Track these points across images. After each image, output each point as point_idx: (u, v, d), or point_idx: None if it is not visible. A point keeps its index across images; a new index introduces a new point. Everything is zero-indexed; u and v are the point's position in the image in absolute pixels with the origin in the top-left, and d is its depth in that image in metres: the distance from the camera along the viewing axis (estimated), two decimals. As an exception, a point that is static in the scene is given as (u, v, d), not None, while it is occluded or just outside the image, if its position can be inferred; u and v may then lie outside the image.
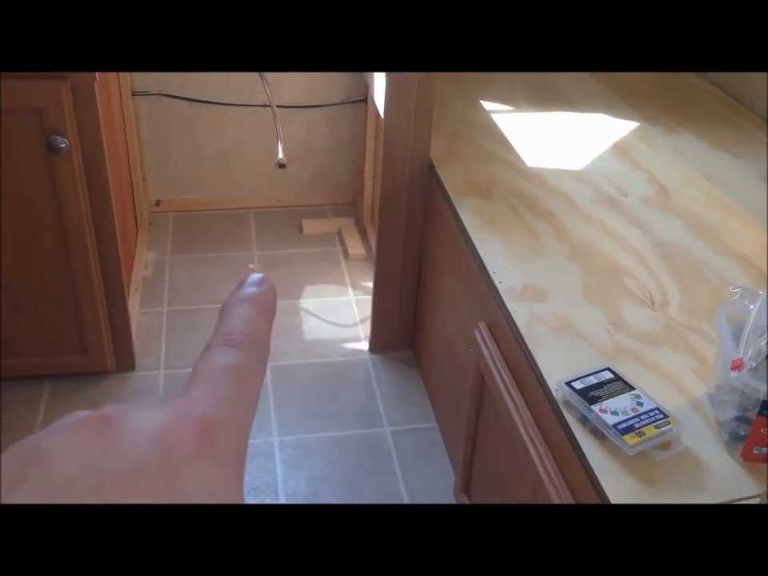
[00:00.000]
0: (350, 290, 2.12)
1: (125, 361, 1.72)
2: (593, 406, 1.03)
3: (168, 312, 1.94)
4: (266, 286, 0.29)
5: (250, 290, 0.28)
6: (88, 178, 1.47)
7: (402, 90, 1.60)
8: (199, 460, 0.23)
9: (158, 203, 2.33)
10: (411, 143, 1.65)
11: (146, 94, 2.16)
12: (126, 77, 2.00)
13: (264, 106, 2.17)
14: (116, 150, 1.85)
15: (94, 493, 0.21)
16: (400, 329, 1.88)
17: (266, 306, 0.28)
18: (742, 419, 1.00)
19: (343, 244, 2.27)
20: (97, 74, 1.43)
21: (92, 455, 0.22)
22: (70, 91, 1.38)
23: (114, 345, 1.68)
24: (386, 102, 1.62)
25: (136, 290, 1.96)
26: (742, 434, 1.00)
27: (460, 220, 1.48)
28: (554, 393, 1.08)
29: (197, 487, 0.22)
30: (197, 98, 2.20)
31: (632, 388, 1.06)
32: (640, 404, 1.04)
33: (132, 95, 2.08)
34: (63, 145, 1.40)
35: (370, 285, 2.01)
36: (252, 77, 1.99)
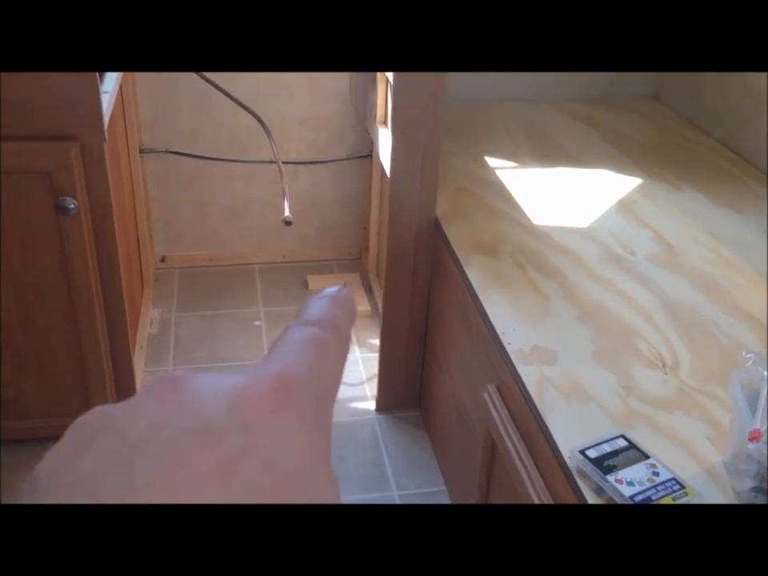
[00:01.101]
0: (356, 347, 2.10)
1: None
2: (608, 476, 1.01)
3: (173, 371, 1.93)
4: (345, 291, 0.28)
5: (328, 291, 0.28)
6: (96, 238, 1.48)
7: (408, 147, 1.61)
8: (274, 416, 0.21)
9: (163, 259, 2.33)
10: (417, 201, 1.66)
11: (152, 151, 2.18)
12: (134, 134, 2.02)
13: (270, 162, 2.19)
14: (123, 207, 1.86)
15: (165, 453, 0.20)
16: (407, 388, 1.87)
17: (345, 305, 0.28)
18: (759, 490, 0.98)
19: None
20: (107, 133, 1.44)
21: (161, 417, 0.21)
22: (79, 153, 1.39)
23: (118, 405, 1.66)
24: (392, 160, 1.63)
25: (141, 348, 1.95)
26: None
27: (467, 279, 1.47)
28: (567, 461, 1.06)
29: (273, 444, 0.21)
30: (203, 155, 2.22)
31: (647, 457, 1.05)
32: (656, 474, 1.02)
33: (140, 153, 2.10)
34: (72, 206, 1.40)
35: (376, 342, 1.99)
36: (258, 134, 2.01)
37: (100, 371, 1.59)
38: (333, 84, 2.21)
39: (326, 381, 0.24)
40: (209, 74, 1.86)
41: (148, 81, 2.09)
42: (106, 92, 1.51)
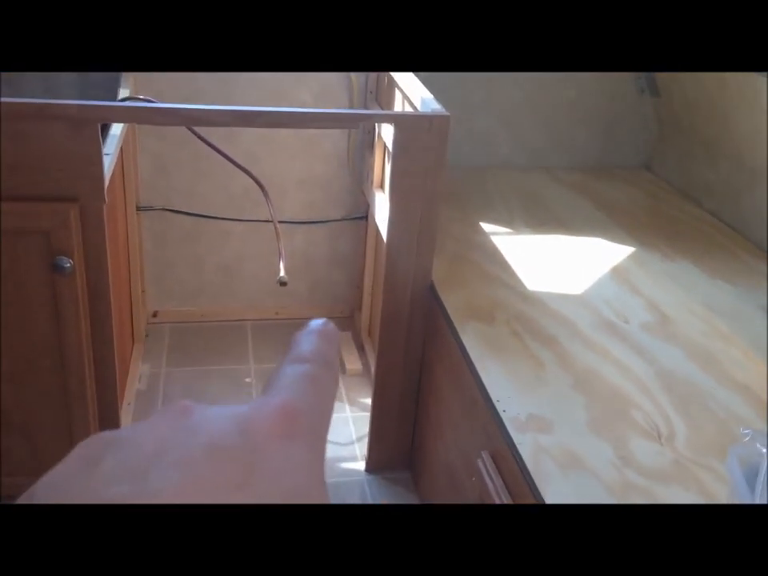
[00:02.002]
0: (346, 406, 2.09)
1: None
2: (605, 552, 0.99)
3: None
4: (330, 325, 0.30)
5: (314, 325, 0.30)
6: (90, 297, 1.47)
7: (406, 213, 1.63)
8: (282, 440, 0.23)
9: (155, 314, 2.32)
10: (413, 266, 1.67)
11: (149, 208, 2.19)
12: (132, 192, 2.04)
13: (266, 221, 2.21)
14: (118, 263, 1.86)
15: (178, 465, 0.21)
16: (398, 449, 1.85)
17: (331, 339, 0.29)
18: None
19: (340, 358, 2.25)
20: (106, 195, 1.45)
21: (174, 435, 0.22)
22: (78, 213, 1.40)
23: (104, 464, 1.63)
24: (389, 226, 1.65)
25: (129, 404, 1.92)
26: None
27: (462, 346, 1.47)
28: (563, 534, 1.05)
29: (280, 463, 0.22)
30: (200, 213, 2.24)
31: (644, 531, 1.03)
32: (653, 549, 1.01)
33: (137, 210, 2.12)
34: (68, 265, 1.40)
35: (367, 401, 1.98)
36: (255, 193, 2.03)
37: (86, 429, 1.56)
38: (330, 146, 2.24)
39: (320, 412, 0.26)
40: (207, 136, 1.89)
41: (148, 140, 2.12)
42: (107, 153, 1.53)
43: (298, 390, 0.26)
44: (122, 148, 1.85)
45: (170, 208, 2.21)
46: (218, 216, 2.25)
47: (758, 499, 0.89)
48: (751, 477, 0.98)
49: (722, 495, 1.09)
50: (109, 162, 1.53)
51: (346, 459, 1.90)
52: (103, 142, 1.56)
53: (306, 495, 0.23)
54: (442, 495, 1.63)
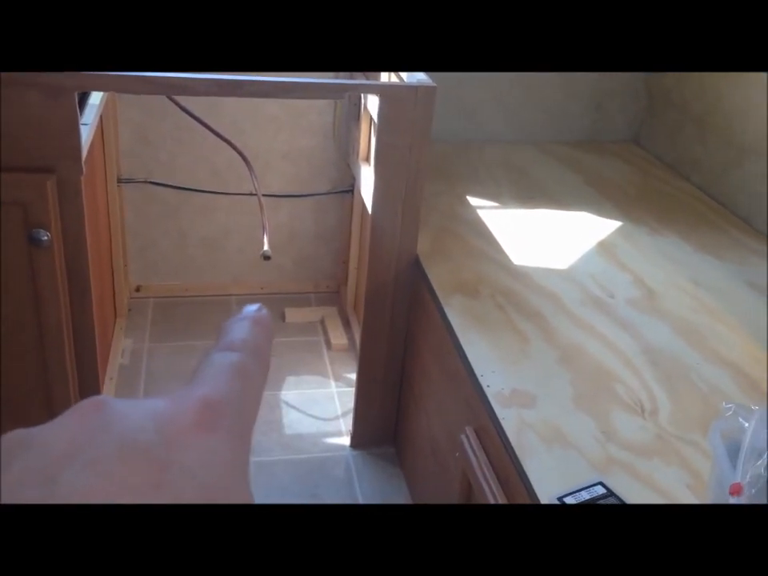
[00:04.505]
0: (332, 381, 2.07)
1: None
2: (586, 526, 0.99)
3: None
4: (264, 311, 0.29)
5: (248, 312, 0.29)
6: (68, 270, 1.45)
7: (391, 186, 1.60)
8: (201, 434, 0.22)
9: (138, 288, 2.29)
10: (398, 239, 1.65)
11: (131, 181, 2.15)
12: (112, 164, 2.00)
13: (250, 194, 2.18)
14: (98, 236, 1.83)
15: (88, 468, 0.20)
16: (383, 425, 1.84)
17: (265, 326, 0.28)
18: (740, 542, 0.97)
19: (326, 333, 2.24)
20: (84, 165, 1.42)
21: (84, 434, 0.21)
22: (56, 185, 1.37)
23: (85, 439, 1.61)
24: (374, 198, 1.62)
25: (111, 379, 1.90)
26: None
27: (447, 319, 1.46)
28: (545, 509, 1.04)
29: (198, 458, 0.21)
30: (183, 186, 2.20)
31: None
32: (635, 523, 1.00)
33: (118, 182, 2.08)
34: (45, 238, 1.37)
35: (353, 376, 1.97)
36: (239, 166, 2.00)
37: (67, 405, 1.54)
38: (316, 118, 2.21)
39: (247, 404, 0.25)
40: (189, 104, 1.86)
41: (129, 111, 2.08)
42: (85, 124, 1.49)
43: (223, 382, 0.25)
44: (101, 118, 1.81)
45: (153, 180, 2.17)
46: (202, 189, 2.22)
47: (739, 474, 0.89)
48: (733, 451, 0.97)
49: (705, 470, 1.09)
50: (87, 133, 1.49)
51: (330, 434, 1.89)
52: (81, 111, 1.52)
53: (226, 493, 0.22)
54: (426, 471, 1.63)
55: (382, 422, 1.83)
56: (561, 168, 2.17)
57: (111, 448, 0.21)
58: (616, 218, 1.89)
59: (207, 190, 2.23)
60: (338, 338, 2.21)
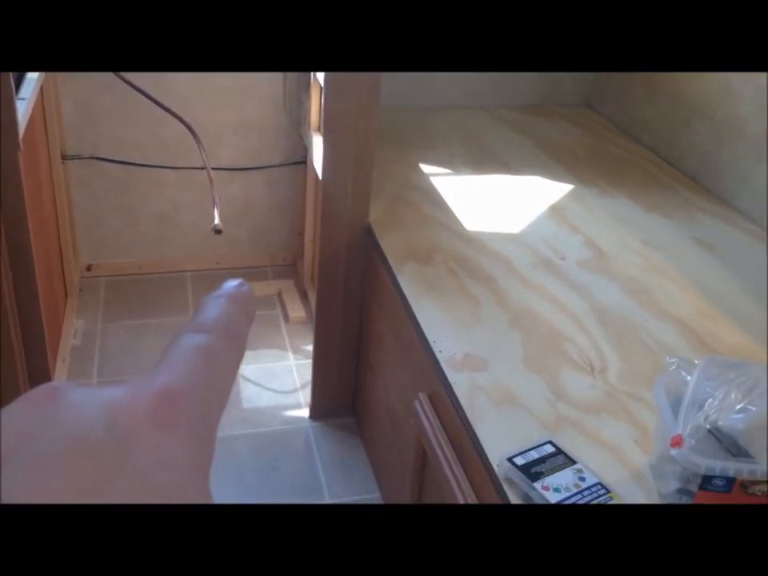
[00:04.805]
0: (290, 354, 2.06)
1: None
2: (535, 483, 1.00)
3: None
4: (244, 288, 0.27)
5: (226, 288, 0.27)
6: (11, 251, 1.41)
7: (340, 154, 1.59)
8: (155, 430, 0.20)
9: (89, 268, 2.25)
10: (350, 207, 1.63)
11: (77, 157, 2.10)
12: (55, 140, 1.95)
13: (201, 168, 2.14)
14: (43, 215, 1.78)
15: (33, 463, 0.19)
16: (341, 395, 1.84)
17: (243, 303, 0.26)
18: (684, 492, 0.99)
19: (283, 307, 2.23)
20: (23, 141, 1.38)
21: (33, 426, 0.20)
22: (-10, 160, 1.32)
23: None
24: (324, 167, 1.61)
25: (63, 361, 1.87)
26: (686, 507, 0.98)
27: (399, 287, 1.46)
28: (495, 469, 1.05)
29: (151, 459, 0.20)
30: (131, 161, 2.15)
31: (574, 462, 1.04)
32: (582, 479, 1.02)
33: (62, 159, 2.02)
34: (-17, 215, 1.33)
35: (311, 349, 1.96)
36: (188, 139, 1.96)
37: (16, 389, 1.51)
38: (266, 89, 2.17)
39: (214, 393, 0.23)
40: (135, 79, 1.81)
41: (72, 85, 2.02)
42: (23, 98, 1.45)
43: (187, 368, 0.23)
44: (42, 92, 1.76)
45: (99, 156, 2.12)
46: (151, 164, 2.17)
47: (680, 426, 0.90)
48: (677, 405, 0.99)
49: (652, 424, 1.11)
50: (24, 108, 1.45)
51: (289, 407, 1.88)
52: (18, 85, 1.47)
53: (181, 494, 0.20)
54: (385, 439, 1.63)
55: (340, 393, 1.83)
56: (513, 133, 2.16)
57: (59, 443, 0.20)
58: (567, 181, 1.89)
59: (156, 164, 2.18)
60: (296, 310, 2.20)
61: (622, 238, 1.65)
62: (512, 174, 1.93)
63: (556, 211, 1.76)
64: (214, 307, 0.26)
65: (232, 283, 0.27)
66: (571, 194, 1.84)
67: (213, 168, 2.10)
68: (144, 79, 1.83)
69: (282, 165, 2.28)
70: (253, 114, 2.20)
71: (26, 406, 0.21)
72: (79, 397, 0.21)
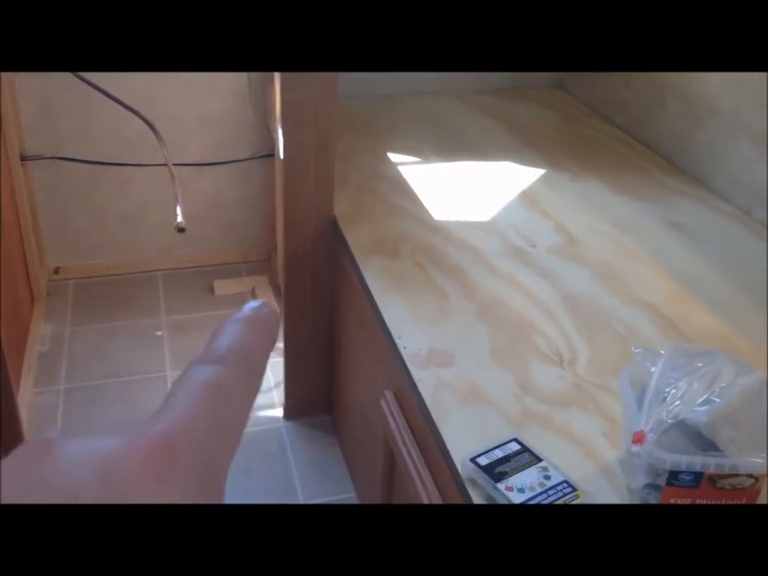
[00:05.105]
0: (264, 352, 2.02)
1: (14, 448, 1.58)
2: (498, 484, 0.96)
3: (65, 390, 1.81)
4: (266, 309, 0.25)
5: (246, 311, 0.25)
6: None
7: (300, 146, 1.54)
8: (153, 485, 0.19)
9: (56, 270, 2.20)
10: (313, 201, 1.59)
11: (38, 157, 2.05)
12: (13, 141, 1.89)
13: (163, 165, 2.09)
14: (2, 218, 1.73)
15: None
16: (315, 393, 1.80)
17: (264, 329, 0.25)
18: (652, 486, 0.95)
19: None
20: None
21: (24, 485, 0.19)
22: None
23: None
24: (284, 160, 1.56)
25: (29, 368, 1.83)
26: (654, 502, 0.95)
27: (365, 282, 1.41)
28: (459, 469, 1.02)
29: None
30: (95, 160, 2.10)
31: (539, 460, 1.00)
32: (548, 477, 0.98)
33: (22, 160, 1.97)
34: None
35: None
36: (153, 136, 1.91)
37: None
38: (230, 81, 2.12)
39: (223, 432, 0.22)
40: (94, 74, 1.76)
41: (30, 83, 1.97)
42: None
43: (193, 408, 0.21)
44: (-6, 93, 1.71)
45: (62, 156, 2.07)
46: (116, 162, 2.12)
47: (643, 421, 0.86)
48: (642, 397, 0.95)
49: (619, 415, 1.07)
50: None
51: (263, 407, 1.85)
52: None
53: None
54: (357, 438, 1.60)
55: (314, 391, 1.80)
56: (484, 118, 2.12)
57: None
58: (539, 166, 1.85)
59: (121, 162, 2.13)
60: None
61: (592, 222, 1.61)
62: (483, 160, 1.89)
63: (527, 197, 1.72)
64: (230, 333, 0.24)
65: (252, 305, 0.25)
66: (542, 178, 1.80)
67: (180, 164, 2.05)
68: (103, 75, 1.77)
69: (251, 158, 2.23)
70: (218, 108, 2.15)
71: (19, 464, 0.20)
72: (73, 451, 0.20)
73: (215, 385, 0.22)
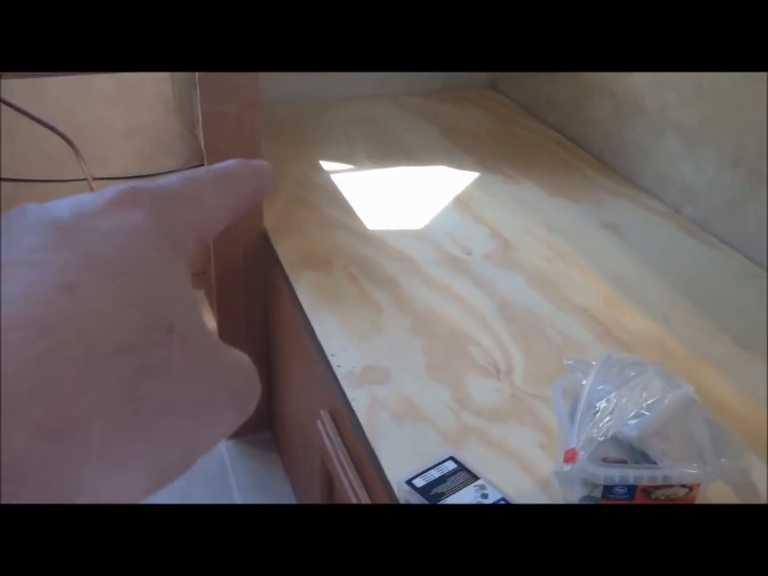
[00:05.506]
0: (202, 369, 1.97)
1: None
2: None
3: None
4: (250, 164, 0.24)
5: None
6: None
7: (223, 156, 1.49)
8: (117, 208, 0.19)
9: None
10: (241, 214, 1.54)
11: (-48, 177, 1.95)
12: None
13: (95, 179, 2.01)
14: None
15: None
16: (255, 410, 1.75)
17: (230, 179, 0.24)
18: (590, 499, 0.94)
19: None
20: None
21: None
22: None
23: None
24: (210, 175, 1.51)
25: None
26: (592, 517, 0.94)
27: (296, 297, 1.38)
28: (396, 492, 0.99)
29: (113, 226, 0.19)
30: (14, 177, 2.01)
31: (476, 478, 0.99)
32: (485, 496, 0.96)
33: (-66, 181, 1.88)
34: None
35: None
36: (71, 151, 1.83)
37: None
38: (153, 89, 2.05)
39: (211, 208, 0.22)
40: (5, 85, 1.67)
41: (-62, 99, 1.87)
42: None
43: (173, 178, 0.21)
44: None
45: (-22, 175, 1.97)
46: (38, 179, 2.04)
47: (574, 437, 0.85)
48: (575, 408, 0.94)
49: (556, 427, 1.06)
50: None
51: (202, 426, 1.80)
52: None
53: (158, 269, 0.18)
54: (297, 456, 1.56)
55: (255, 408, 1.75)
56: (417, 121, 2.10)
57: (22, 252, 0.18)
58: (472, 169, 1.84)
59: (45, 179, 2.04)
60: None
61: (527, 225, 1.60)
62: (416, 165, 1.86)
63: (461, 202, 1.70)
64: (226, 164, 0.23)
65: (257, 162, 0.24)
66: (476, 182, 1.79)
67: (102, 178, 1.98)
68: (17, 87, 1.70)
69: (180, 169, 2.16)
70: (143, 118, 2.08)
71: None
72: (37, 210, 0.20)
73: (197, 170, 0.22)
